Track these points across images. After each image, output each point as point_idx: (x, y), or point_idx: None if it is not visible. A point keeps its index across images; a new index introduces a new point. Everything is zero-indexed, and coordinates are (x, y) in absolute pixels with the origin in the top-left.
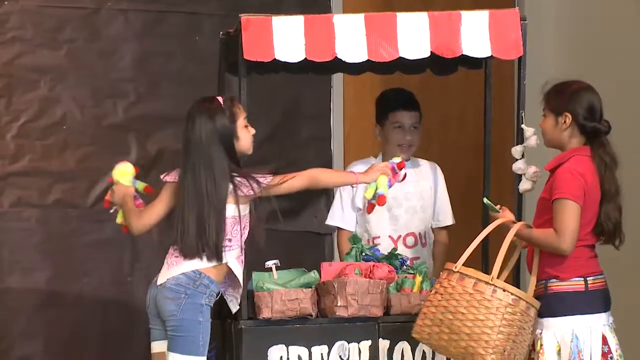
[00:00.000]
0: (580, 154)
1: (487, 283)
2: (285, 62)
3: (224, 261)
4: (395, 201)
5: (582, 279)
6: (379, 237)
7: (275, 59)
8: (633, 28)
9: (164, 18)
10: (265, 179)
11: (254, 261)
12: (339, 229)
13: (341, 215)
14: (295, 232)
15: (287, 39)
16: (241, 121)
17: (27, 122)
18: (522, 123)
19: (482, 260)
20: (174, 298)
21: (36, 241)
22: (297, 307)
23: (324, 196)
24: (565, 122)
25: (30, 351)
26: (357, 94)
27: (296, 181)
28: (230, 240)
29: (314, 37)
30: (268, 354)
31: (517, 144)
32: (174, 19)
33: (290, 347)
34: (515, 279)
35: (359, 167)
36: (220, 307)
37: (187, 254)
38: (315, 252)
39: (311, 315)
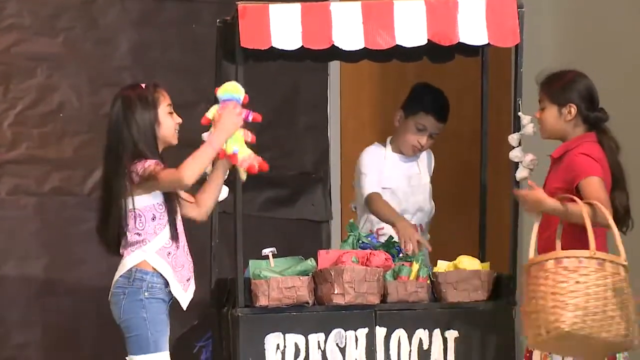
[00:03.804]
0: (588, 141)
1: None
2: (282, 49)
3: (125, 256)
4: (404, 196)
5: None
6: (382, 227)
7: (272, 46)
8: (630, 15)
9: (161, 6)
10: (141, 168)
11: (250, 249)
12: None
13: (374, 182)
14: (292, 220)
15: (284, 26)
16: (164, 107)
17: (24, 110)
18: (519, 111)
19: (479, 249)
20: (116, 302)
21: (33, 229)
22: (294, 295)
23: (320, 184)
24: (570, 112)
25: (27, 339)
26: (354, 82)
27: (165, 175)
28: (139, 234)
29: (310, 25)
30: (265, 342)
31: (514, 132)
32: (171, 7)
33: (287, 335)
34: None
35: (374, 151)
36: (217, 296)
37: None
38: (312, 239)
39: (308, 303)
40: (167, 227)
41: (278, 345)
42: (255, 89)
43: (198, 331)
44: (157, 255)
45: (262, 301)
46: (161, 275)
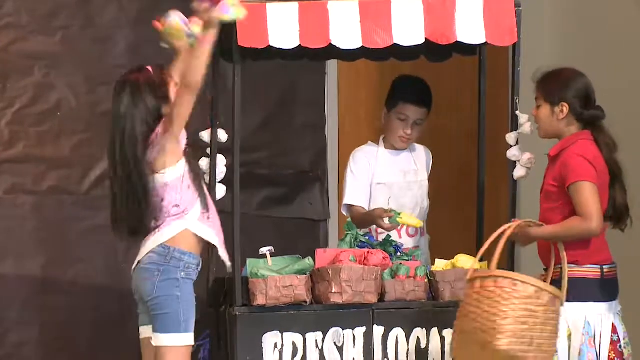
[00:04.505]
0: (584, 139)
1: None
2: (279, 48)
3: (162, 227)
4: (400, 191)
5: (599, 266)
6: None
7: (269, 45)
8: (628, 14)
9: (158, 4)
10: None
11: (248, 248)
12: (351, 206)
13: (358, 193)
14: (290, 219)
15: (282, 25)
16: (172, 85)
17: (21, 108)
18: (517, 110)
19: (477, 248)
20: (149, 277)
21: (31, 228)
22: (291, 294)
23: (318, 183)
24: (562, 111)
25: (25, 337)
26: (352, 81)
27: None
28: (177, 206)
29: (308, 24)
30: (262, 341)
31: (511, 131)
32: (168, 5)
33: (285, 334)
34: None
35: (363, 151)
36: (214, 295)
37: (128, 231)
38: (310, 238)
39: (306, 302)
40: (198, 193)
41: (276, 344)
42: (253, 87)
43: (196, 330)
44: (199, 222)
45: (260, 300)
46: (194, 255)
